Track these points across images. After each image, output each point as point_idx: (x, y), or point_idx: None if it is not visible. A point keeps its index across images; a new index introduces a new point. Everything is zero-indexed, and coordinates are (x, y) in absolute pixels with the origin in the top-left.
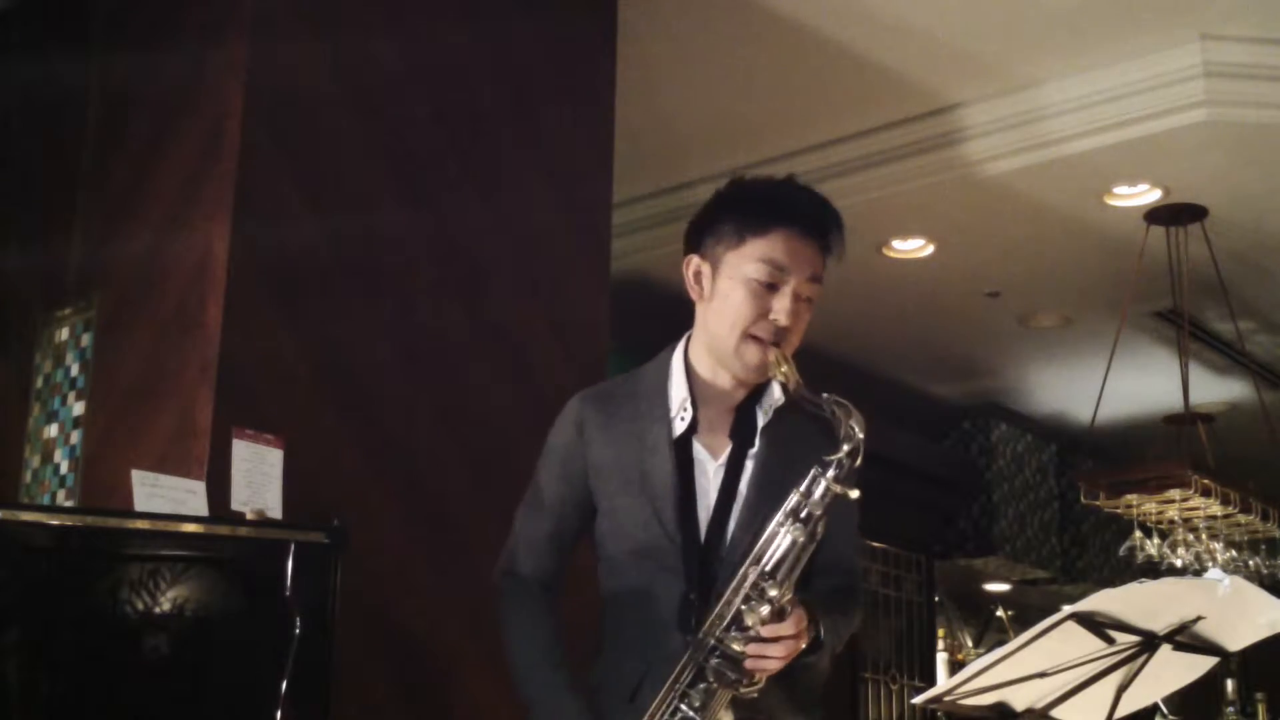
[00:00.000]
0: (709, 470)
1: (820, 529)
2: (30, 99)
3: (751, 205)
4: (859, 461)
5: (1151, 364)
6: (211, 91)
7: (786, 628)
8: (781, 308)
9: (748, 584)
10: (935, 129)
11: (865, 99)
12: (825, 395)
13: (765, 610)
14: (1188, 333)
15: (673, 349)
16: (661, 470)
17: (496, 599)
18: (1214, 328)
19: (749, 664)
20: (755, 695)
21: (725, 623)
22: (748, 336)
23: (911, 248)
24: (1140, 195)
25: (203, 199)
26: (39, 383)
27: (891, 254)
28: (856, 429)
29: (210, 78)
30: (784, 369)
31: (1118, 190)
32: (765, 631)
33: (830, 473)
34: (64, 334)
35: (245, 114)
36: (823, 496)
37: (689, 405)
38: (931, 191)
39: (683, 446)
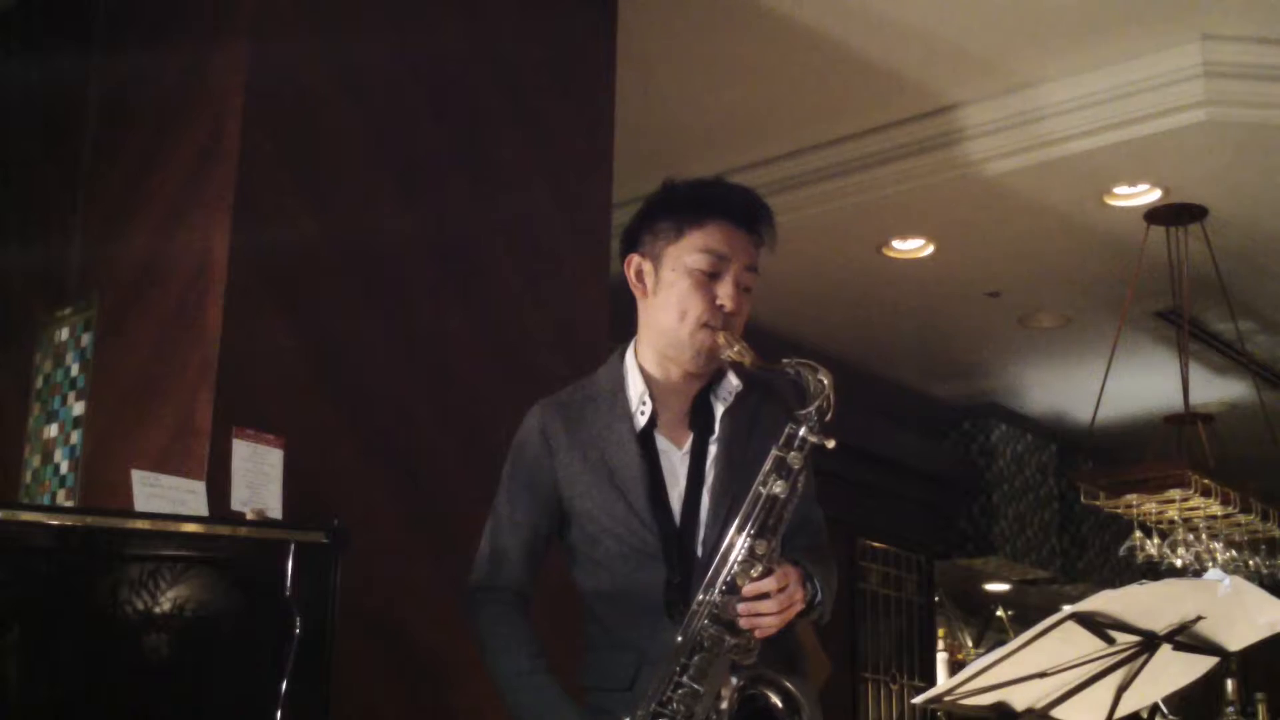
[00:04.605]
0: (674, 459)
1: (800, 482)
2: (30, 99)
3: (685, 201)
4: (830, 413)
5: (1151, 364)
6: (211, 91)
7: (769, 583)
8: (726, 293)
9: (736, 548)
10: (935, 129)
11: (865, 99)
12: (785, 360)
13: (756, 570)
14: (1188, 333)
15: (621, 353)
16: (629, 462)
17: (472, 613)
18: (1214, 328)
19: (743, 623)
20: (753, 660)
21: (716, 589)
22: (696, 324)
23: (911, 248)
24: (1140, 195)
25: (203, 199)
26: (39, 383)
27: (891, 254)
28: (825, 381)
29: (210, 78)
30: (736, 348)
31: (1118, 190)
32: (748, 589)
33: (804, 425)
34: (64, 334)
35: (245, 114)
36: (800, 448)
37: (648, 399)
38: (931, 191)
39: (646, 440)
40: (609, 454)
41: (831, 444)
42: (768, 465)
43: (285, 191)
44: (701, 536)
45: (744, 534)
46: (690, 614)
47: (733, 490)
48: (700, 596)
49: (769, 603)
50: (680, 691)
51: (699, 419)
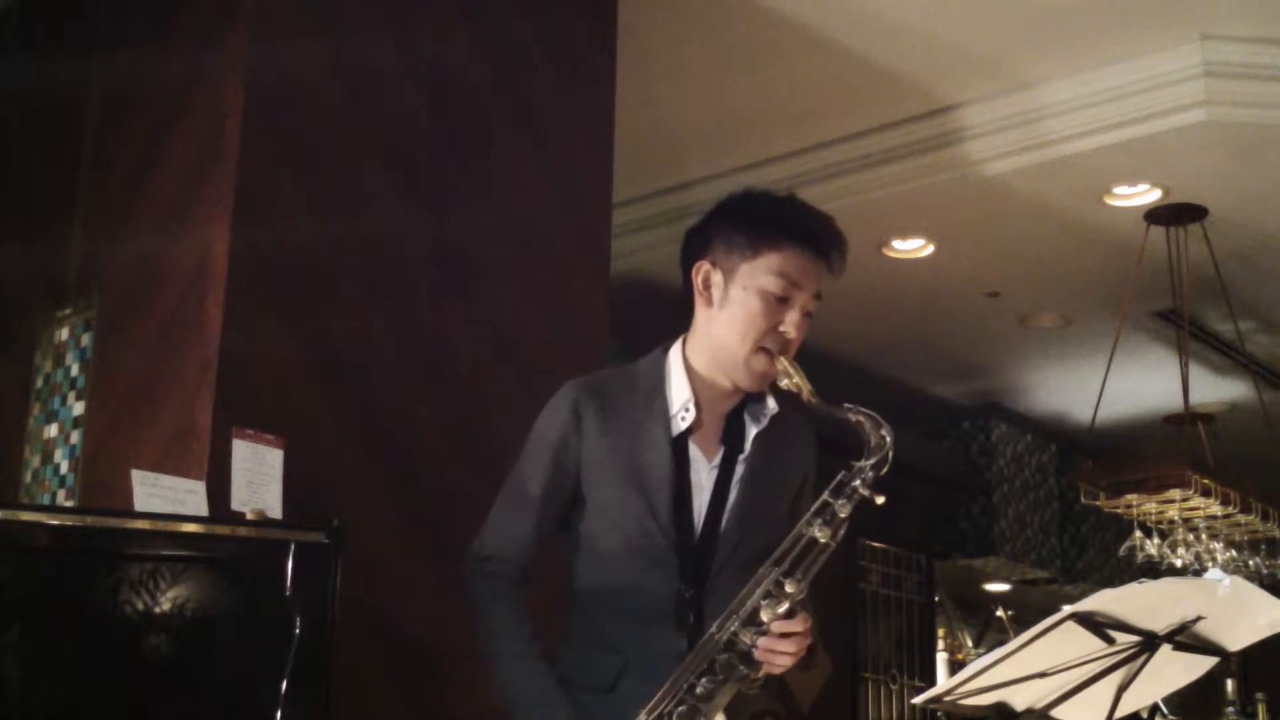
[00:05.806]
0: (702, 471)
1: (842, 532)
2: (30, 99)
3: (766, 218)
4: (886, 468)
5: (1151, 364)
6: (211, 91)
7: (797, 624)
8: (792, 321)
9: (767, 581)
10: (935, 129)
11: (865, 99)
12: (848, 405)
13: (783, 608)
14: (1188, 333)
15: (667, 348)
16: (659, 466)
17: (470, 585)
18: (1214, 328)
19: (759, 656)
20: (757, 691)
21: (740, 619)
22: (755, 348)
23: (911, 248)
24: (1140, 195)
25: (203, 199)
26: (39, 383)
27: (891, 254)
28: (887, 439)
29: (210, 78)
30: (795, 379)
31: (1118, 190)
32: (776, 627)
33: (859, 478)
34: (64, 334)
35: (245, 114)
36: (850, 499)
37: (692, 406)
38: (931, 191)
39: (680, 446)
40: (639, 452)
41: (881, 500)
42: (814, 507)
43: (285, 191)
44: (717, 553)
45: (776, 569)
46: (708, 636)
47: (754, 513)
48: (723, 623)
49: (789, 643)
50: (682, 709)
51: (730, 433)
